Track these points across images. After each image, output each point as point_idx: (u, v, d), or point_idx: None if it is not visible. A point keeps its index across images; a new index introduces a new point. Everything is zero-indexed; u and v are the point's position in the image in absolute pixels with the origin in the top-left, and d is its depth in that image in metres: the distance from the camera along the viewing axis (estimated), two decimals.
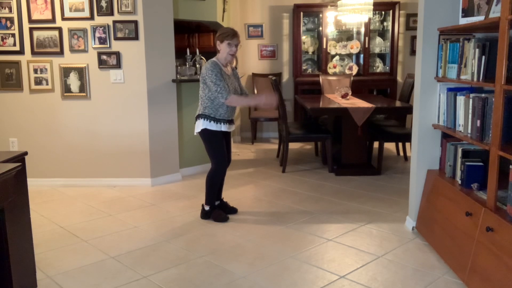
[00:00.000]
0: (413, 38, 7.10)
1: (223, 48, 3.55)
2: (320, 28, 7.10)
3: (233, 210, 3.87)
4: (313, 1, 7.09)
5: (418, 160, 3.36)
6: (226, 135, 3.73)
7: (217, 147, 3.62)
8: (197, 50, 5.31)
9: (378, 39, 7.18)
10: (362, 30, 6.97)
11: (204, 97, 3.57)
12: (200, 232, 3.46)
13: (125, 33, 4.48)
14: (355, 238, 3.31)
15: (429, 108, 3.26)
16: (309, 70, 7.30)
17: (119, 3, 4.44)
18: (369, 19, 6.59)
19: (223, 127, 3.60)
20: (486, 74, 2.55)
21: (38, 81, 4.63)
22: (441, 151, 3.28)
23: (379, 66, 7.24)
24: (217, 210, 3.75)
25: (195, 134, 3.71)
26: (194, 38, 7.18)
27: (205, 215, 3.75)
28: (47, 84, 4.63)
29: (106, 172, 4.73)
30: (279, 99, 5.13)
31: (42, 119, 4.70)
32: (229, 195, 4.30)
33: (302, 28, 7.05)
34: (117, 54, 4.52)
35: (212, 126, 3.56)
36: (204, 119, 3.56)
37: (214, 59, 3.59)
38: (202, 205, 3.79)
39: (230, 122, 3.68)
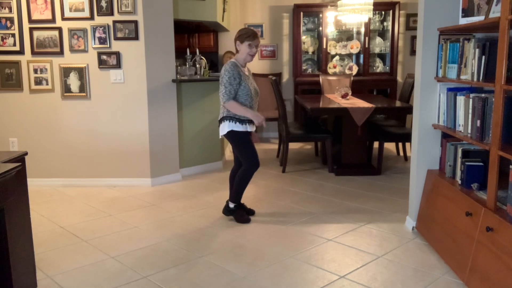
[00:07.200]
0: (413, 38, 7.10)
1: (243, 48, 3.50)
2: (320, 28, 7.10)
3: (251, 212, 3.84)
4: (313, 1, 7.09)
5: (418, 160, 3.36)
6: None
7: (247, 147, 3.59)
8: (197, 50, 5.31)
9: (378, 39, 7.18)
10: (362, 30, 6.97)
11: None
12: (200, 232, 3.46)
13: (125, 33, 4.48)
14: (355, 238, 3.31)
15: (429, 108, 3.26)
16: (309, 70, 7.30)
17: (119, 3, 4.44)
18: (369, 19, 6.59)
19: (249, 127, 3.57)
20: (486, 74, 2.55)
21: (38, 81, 4.63)
22: (441, 151, 3.28)
23: (379, 66, 7.24)
24: (241, 210, 3.72)
25: (220, 137, 3.68)
26: (194, 38, 7.19)
27: (228, 211, 3.73)
28: (47, 84, 4.63)
29: (106, 172, 4.73)
30: (280, 102, 5.13)
31: (42, 119, 4.70)
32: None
33: (302, 28, 7.05)
34: (117, 54, 4.52)
35: (238, 127, 3.52)
36: (229, 121, 3.51)
37: (233, 59, 3.53)
38: (227, 201, 3.76)
39: (253, 122, 3.64)
